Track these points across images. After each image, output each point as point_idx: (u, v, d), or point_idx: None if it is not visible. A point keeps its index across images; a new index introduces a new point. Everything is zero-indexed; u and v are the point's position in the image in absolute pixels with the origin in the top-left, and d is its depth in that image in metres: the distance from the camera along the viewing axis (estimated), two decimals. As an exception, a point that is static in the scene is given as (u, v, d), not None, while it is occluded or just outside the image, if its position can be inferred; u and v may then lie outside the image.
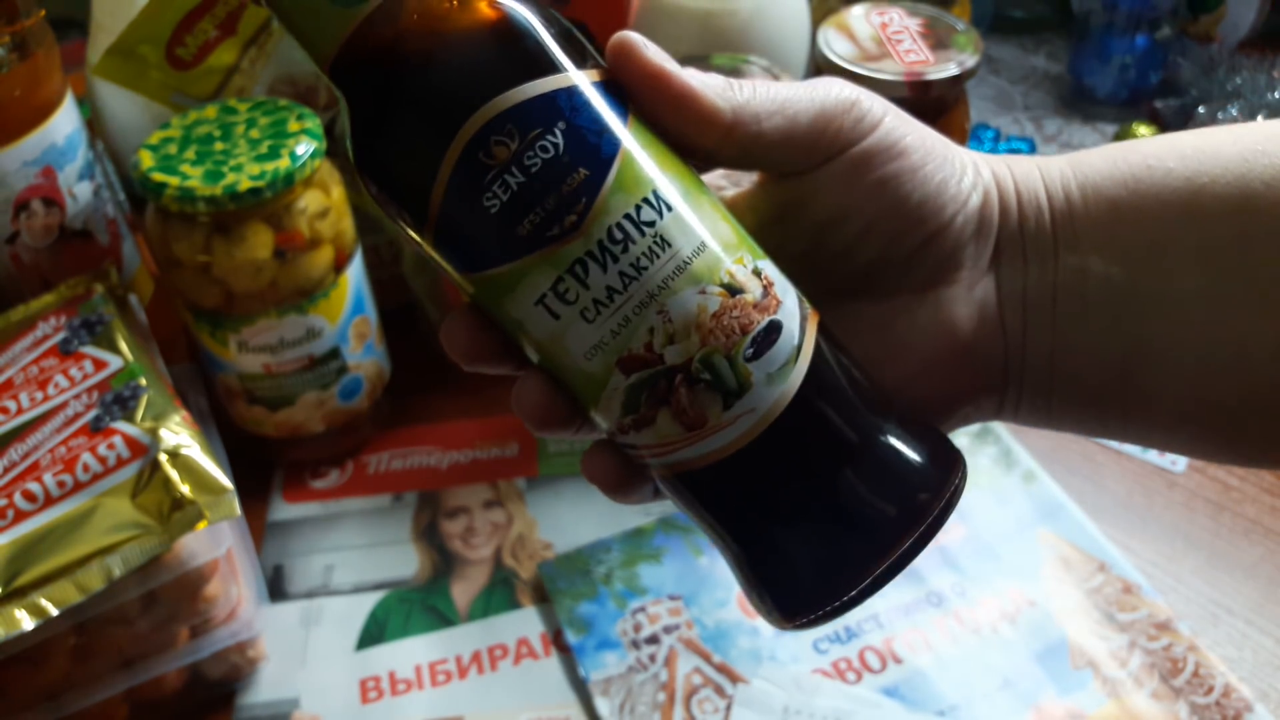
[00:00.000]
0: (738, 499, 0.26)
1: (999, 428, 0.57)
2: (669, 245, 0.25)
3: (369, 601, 0.51)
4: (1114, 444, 0.57)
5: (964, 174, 0.30)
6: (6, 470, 0.41)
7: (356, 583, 0.52)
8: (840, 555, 0.25)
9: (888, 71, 0.52)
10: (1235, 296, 0.28)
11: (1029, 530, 0.53)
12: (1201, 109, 0.72)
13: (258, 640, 0.47)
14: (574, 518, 0.54)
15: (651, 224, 0.25)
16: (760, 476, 0.26)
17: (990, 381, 0.30)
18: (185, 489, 0.40)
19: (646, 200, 0.25)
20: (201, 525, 0.39)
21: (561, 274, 0.25)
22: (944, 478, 0.26)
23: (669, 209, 0.25)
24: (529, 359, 0.27)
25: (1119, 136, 0.75)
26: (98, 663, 0.43)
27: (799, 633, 0.23)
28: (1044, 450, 0.57)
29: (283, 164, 0.48)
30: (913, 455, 0.26)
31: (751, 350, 0.25)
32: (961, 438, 0.57)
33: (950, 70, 0.52)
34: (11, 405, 0.44)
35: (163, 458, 0.41)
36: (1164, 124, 0.76)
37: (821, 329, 0.27)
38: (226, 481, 0.41)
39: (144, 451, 0.41)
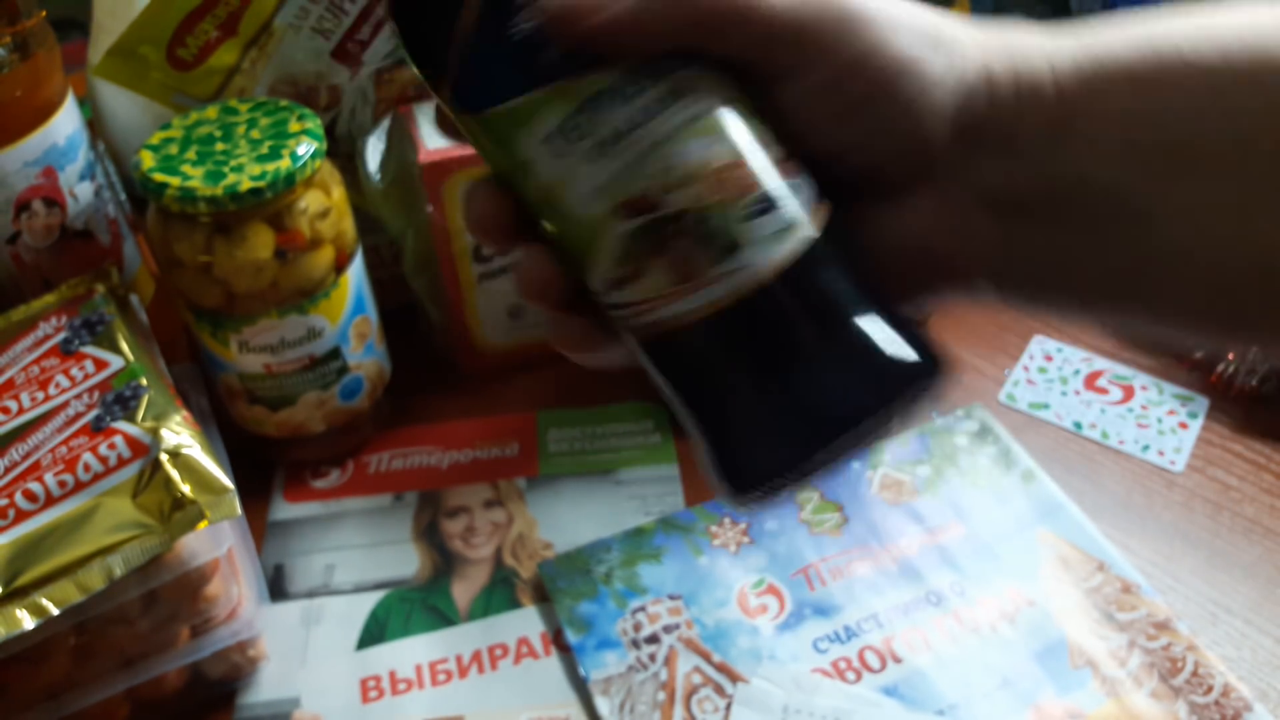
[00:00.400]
0: (713, 363, 0.26)
1: (998, 428, 0.58)
2: (686, 95, 0.25)
3: (370, 601, 0.51)
4: (1113, 444, 0.57)
5: (949, 55, 0.27)
6: (7, 470, 0.41)
7: (357, 582, 0.52)
8: (799, 424, 0.26)
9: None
10: (1267, 205, 0.25)
11: (1028, 530, 0.53)
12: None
13: (258, 639, 0.48)
14: (574, 517, 0.54)
15: (673, 71, 0.25)
16: (738, 340, 0.26)
17: (967, 285, 0.29)
18: (186, 489, 0.40)
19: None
20: (202, 525, 0.39)
21: (577, 107, 0.25)
22: (918, 370, 0.26)
23: (692, 62, 0.26)
24: (536, 233, 0.27)
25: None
26: (98, 662, 0.43)
27: (750, 504, 0.23)
28: (1043, 450, 0.57)
29: (284, 164, 0.48)
30: (893, 343, 0.26)
31: (750, 211, 0.25)
32: (961, 437, 0.57)
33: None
34: (12, 405, 0.44)
35: (163, 457, 0.41)
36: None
37: (830, 217, 0.27)
38: (227, 481, 0.41)
39: (145, 451, 0.41)
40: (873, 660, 0.48)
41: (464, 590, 0.52)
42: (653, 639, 0.49)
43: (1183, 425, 0.58)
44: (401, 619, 0.50)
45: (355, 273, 0.53)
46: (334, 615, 0.51)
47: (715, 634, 0.49)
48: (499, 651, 0.49)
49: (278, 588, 0.52)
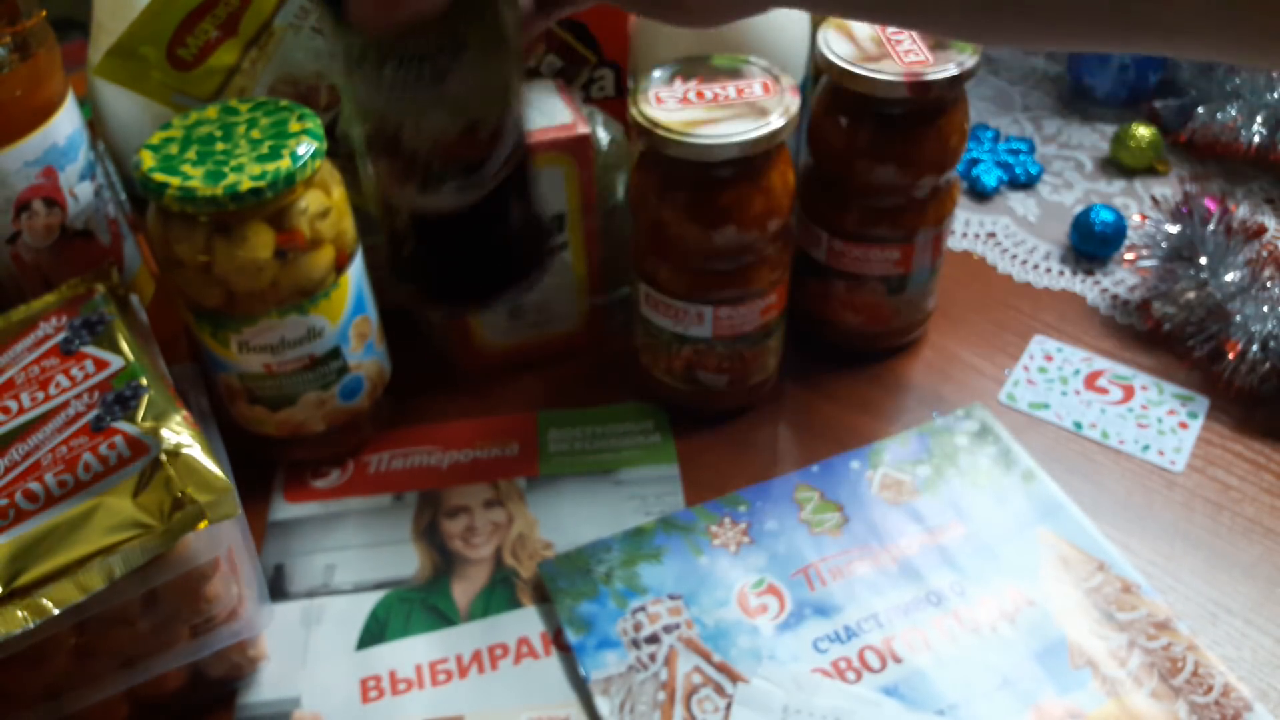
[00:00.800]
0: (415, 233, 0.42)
1: (998, 428, 0.57)
2: (442, 74, 0.35)
3: (370, 601, 0.51)
4: (1113, 444, 0.57)
5: None
6: (8, 470, 0.41)
7: (357, 582, 0.52)
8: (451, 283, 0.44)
9: (887, 72, 0.52)
10: None
11: (1028, 530, 0.53)
12: (1200, 109, 0.72)
13: (259, 639, 0.48)
14: (574, 517, 0.54)
15: (437, 52, 0.34)
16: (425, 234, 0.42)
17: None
18: (186, 488, 0.40)
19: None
20: (203, 525, 0.39)
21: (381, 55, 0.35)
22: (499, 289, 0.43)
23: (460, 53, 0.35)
24: None
25: (1118, 137, 0.75)
26: (98, 662, 0.43)
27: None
28: (1043, 450, 0.57)
29: (284, 164, 0.48)
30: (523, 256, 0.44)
31: (449, 171, 0.38)
32: (961, 437, 0.57)
33: (949, 70, 0.52)
34: (13, 405, 0.44)
35: (163, 457, 0.41)
36: (1163, 125, 0.76)
37: (524, 160, 0.41)
38: (227, 480, 0.41)
39: (145, 451, 0.41)
40: (873, 660, 0.48)
41: (464, 590, 0.52)
42: (653, 639, 0.49)
43: (1183, 425, 0.58)
44: (402, 619, 0.50)
45: (355, 273, 0.53)
46: (334, 615, 0.51)
47: (715, 634, 0.49)
48: (499, 651, 0.49)
49: (278, 587, 0.52)
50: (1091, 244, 0.68)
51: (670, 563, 0.52)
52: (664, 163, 0.51)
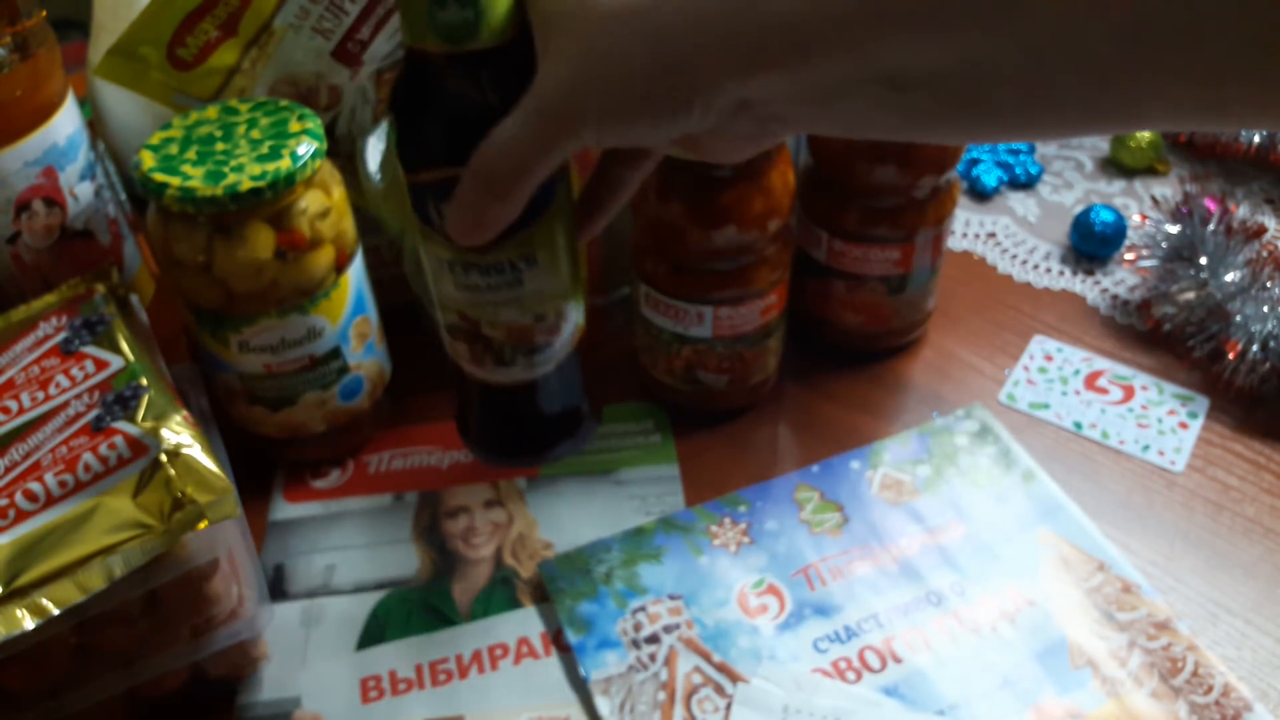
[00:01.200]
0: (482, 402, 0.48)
1: (998, 427, 0.57)
2: (513, 279, 0.41)
3: (370, 601, 0.51)
4: (1113, 444, 0.57)
5: None
6: (8, 470, 0.41)
7: (357, 582, 0.52)
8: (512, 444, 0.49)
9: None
10: None
11: (1028, 530, 0.53)
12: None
13: (259, 639, 0.48)
14: (574, 517, 0.54)
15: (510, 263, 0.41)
16: (493, 401, 0.48)
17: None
18: (186, 488, 0.40)
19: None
20: (203, 525, 0.39)
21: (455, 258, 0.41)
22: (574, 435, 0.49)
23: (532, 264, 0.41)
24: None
25: (1118, 137, 0.75)
26: (99, 662, 0.43)
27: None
28: (1043, 449, 0.57)
29: (284, 164, 0.48)
30: (570, 424, 0.49)
31: (522, 351, 0.44)
32: (961, 437, 0.57)
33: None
34: (13, 405, 0.44)
35: (163, 457, 0.41)
36: (1168, 133, 0.76)
37: (579, 346, 0.46)
38: (227, 481, 0.41)
39: (145, 451, 0.41)
40: (873, 660, 0.48)
41: (464, 590, 0.52)
42: (653, 639, 0.49)
43: (1183, 425, 0.58)
44: (402, 619, 0.50)
45: (355, 273, 0.53)
46: (334, 615, 0.51)
47: (715, 634, 0.49)
48: (499, 651, 0.49)
49: (278, 588, 0.52)
50: (1091, 244, 0.68)
51: (670, 563, 0.52)
52: (664, 162, 0.51)
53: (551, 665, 0.49)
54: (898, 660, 0.48)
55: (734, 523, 0.53)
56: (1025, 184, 0.75)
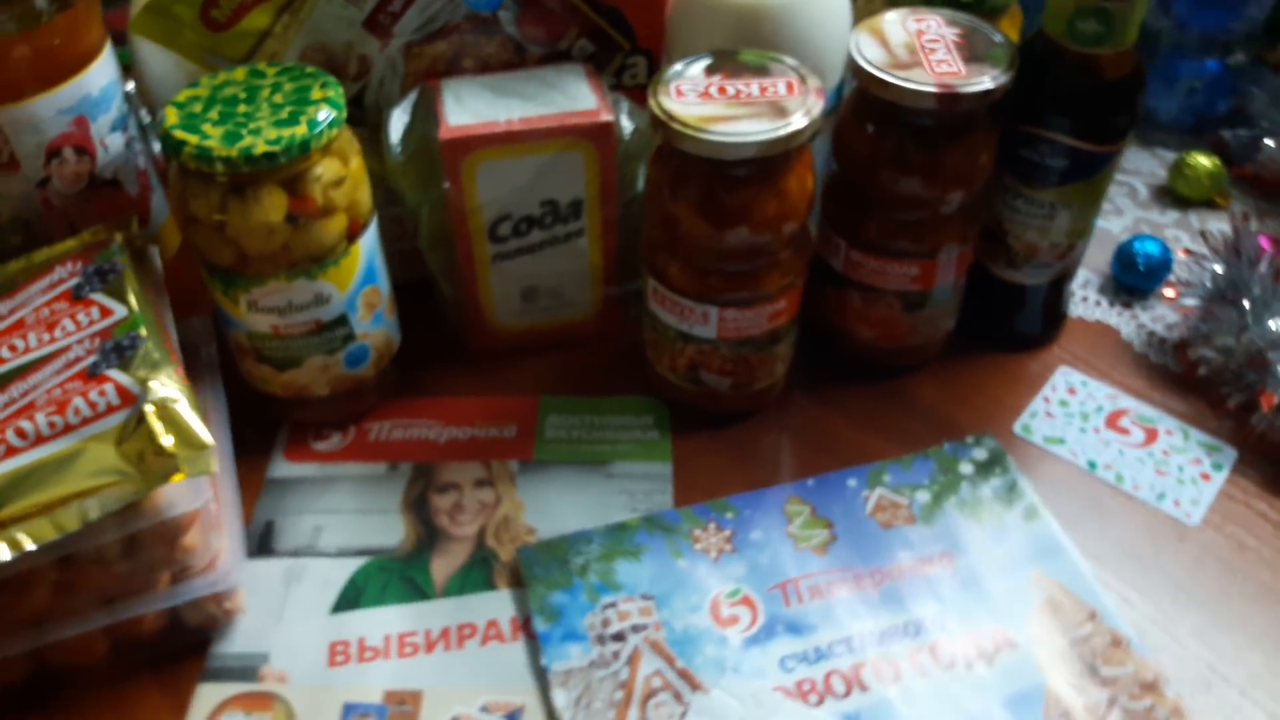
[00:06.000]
0: None
1: (1008, 459, 0.56)
2: None
3: (351, 566, 0.52)
4: (1127, 488, 0.55)
5: None
6: (6, 405, 0.43)
7: (342, 546, 0.53)
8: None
9: (916, 81, 0.50)
10: None
11: (1022, 569, 0.51)
12: (1270, 142, 0.68)
13: (235, 593, 0.49)
14: (562, 505, 0.54)
15: None
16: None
17: None
18: (167, 441, 0.41)
19: None
20: (177, 478, 0.40)
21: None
22: None
23: None
24: None
25: (1176, 165, 0.72)
26: (78, 598, 0.44)
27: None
28: (1051, 487, 0.55)
29: (300, 130, 0.48)
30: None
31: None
32: (967, 464, 0.56)
33: (982, 84, 0.50)
34: (20, 344, 0.45)
35: (149, 409, 0.42)
36: (1230, 155, 0.72)
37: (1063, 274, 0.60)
38: (208, 438, 0.42)
39: (133, 401, 0.42)
40: (838, 685, 0.47)
41: (443, 566, 0.52)
42: (619, 636, 0.48)
43: (1205, 476, 0.56)
44: (378, 588, 0.51)
45: (367, 243, 0.53)
46: (315, 577, 0.52)
47: (682, 639, 0.48)
48: (467, 631, 0.49)
49: (266, 544, 0.53)
50: (1132, 276, 0.65)
51: (648, 562, 0.51)
52: (678, 157, 0.50)
53: (516, 651, 0.49)
54: (864, 688, 0.47)
55: (719, 529, 0.53)
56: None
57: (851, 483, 0.55)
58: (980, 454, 0.56)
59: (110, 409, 0.42)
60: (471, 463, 0.56)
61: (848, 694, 0.47)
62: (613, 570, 0.51)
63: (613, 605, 0.50)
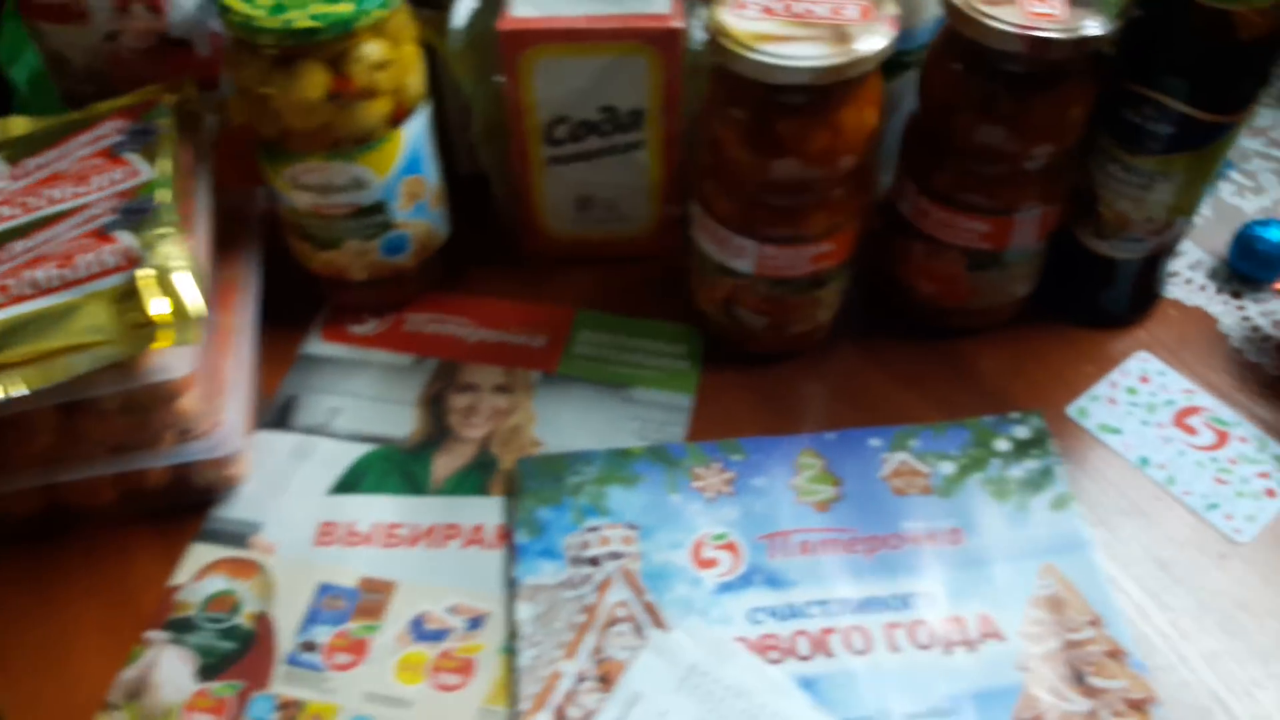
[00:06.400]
0: None
1: (1051, 442, 0.52)
2: None
3: (357, 451, 0.53)
4: (1176, 492, 0.50)
5: None
6: (27, 251, 0.45)
7: (353, 431, 0.54)
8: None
9: (1004, 20, 0.45)
10: None
11: (1034, 558, 0.48)
12: None
13: (237, 460, 0.50)
14: (573, 423, 0.54)
15: None
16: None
17: None
18: (158, 308, 0.42)
19: None
20: (161, 345, 0.41)
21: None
22: None
23: None
24: None
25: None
26: (82, 445, 0.46)
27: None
28: (1090, 478, 0.51)
29: (344, 9, 0.47)
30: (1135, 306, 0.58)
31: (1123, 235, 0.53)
32: (1004, 441, 0.52)
33: (1079, 31, 0.45)
34: (54, 194, 0.47)
35: (148, 274, 0.43)
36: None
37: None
38: (198, 309, 0.43)
39: (135, 264, 0.43)
40: (803, 646, 0.45)
41: (444, 464, 0.52)
42: (594, 561, 0.48)
43: (1270, 493, 0.50)
44: (378, 475, 0.52)
45: (413, 130, 0.53)
46: (322, 456, 0.53)
47: (657, 574, 0.48)
48: (452, 532, 0.50)
49: (284, 417, 0.54)
50: (1250, 263, 0.58)
51: (642, 492, 0.50)
52: (729, 76, 0.47)
53: (493, 559, 0.49)
54: (829, 654, 0.45)
55: (723, 469, 0.51)
56: (1205, 178, 0.65)
57: (874, 442, 0.52)
58: (1022, 432, 0.52)
59: (111, 269, 0.43)
60: (494, 367, 0.56)
61: (810, 657, 0.45)
62: (605, 495, 0.50)
63: (596, 529, 0.49)
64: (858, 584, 0.47)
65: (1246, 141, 0.67)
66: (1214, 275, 0.60)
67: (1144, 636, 0.46)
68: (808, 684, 0.44)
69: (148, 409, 0.45)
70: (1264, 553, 0.49)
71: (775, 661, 0.45)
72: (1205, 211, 0.63)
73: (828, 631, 0.46)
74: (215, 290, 0.52)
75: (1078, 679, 0.44)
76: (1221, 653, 0.46)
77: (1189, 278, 0.60)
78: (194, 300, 0.43)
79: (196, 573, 0.49)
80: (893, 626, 0.46)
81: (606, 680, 0.45)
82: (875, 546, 0.48)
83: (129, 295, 0.42)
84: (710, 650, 0.45)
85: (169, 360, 0.44)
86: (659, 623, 0.46)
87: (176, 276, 0.43)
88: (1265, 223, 0.58)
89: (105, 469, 0.47)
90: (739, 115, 0.48)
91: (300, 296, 0.59)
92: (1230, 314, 0.58)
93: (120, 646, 0.47)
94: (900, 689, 0.44)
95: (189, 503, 0.51)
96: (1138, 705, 0.43)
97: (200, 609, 0.48)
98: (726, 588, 0.47)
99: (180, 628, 0.47)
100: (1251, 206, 0.63)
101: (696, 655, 0.45)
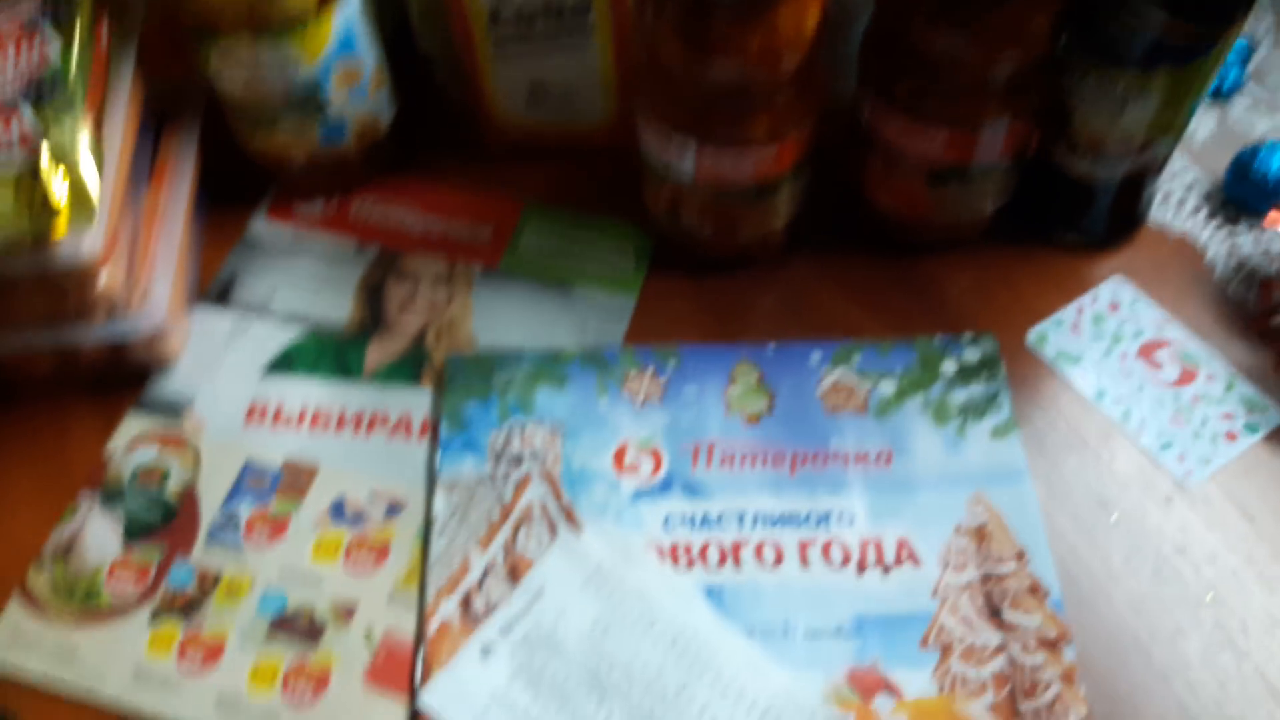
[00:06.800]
0: None
1: (1000, 367, 0.49)
2: None
3: (292, 332, 0.52)
4: (1129, 428, 0.48)
5: None
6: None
7: (290, 312, 0.53)
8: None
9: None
10: None
11: (964, 487, 0.46)
12: None
13: (169, 336, 0.50)
14: (510, 320, 0.53)
15: None
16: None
17: None
18: (56, 191, 0.41)
19: None
20: (59, 228, 0.41)
21: None
22: None
23: None
24: None
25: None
26: (6, 319, 0.46)
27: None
28: (1038, 408, 0.49)
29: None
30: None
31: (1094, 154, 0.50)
32: (950, 363, 0.50)
33: (1045, -74, 0.41)
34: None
35: (47, 156, 0.42)
36: None
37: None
38: (94, 193, 0.42)
39: (33, 145, 0.42)
40: (713, 556, 0.44)
41: (377, 353, 0.52)
42: (516, 459, 0.47)
43: (1230, 436, 0.48)
44: (311, 359, 0.52)
45: (345, 11, 0.50)
46: (257, 335, 0.52)
47: (577, 477, 0.47)
48: (380, 420, 0.49)
49: (224, 295, 0.54)
50: (1246, 189, 0.55)
51: (570, 393, 0.49)
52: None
53: (416, 450, 0.49)
54: (738, 565, 0.44)
55: (655, 375, 0.50)
56: (1213, 93, 0.60)
57: (815, 356, 0.50)
58: (972, 355, 0.50)
59: (11, 148, 0.42)
60: (436, 258, 0.55)
61: (720, 567, 0.44)
62: (532, 394, 0.49)
63: (520, 427, 0.48)
64: (777, 499, 0.46)
65: (1272, 56, 0.62)
66: (1207, 200, 0.56)
67: (1070, 575, 0.44)
68: (713, 593, 0.44)
69: (63, 288, 0.45)
70: (1212, 498, 0.46)
71: (683, 569, 0.44)
72: (1208, 128, 0.59)
73: (740, 544, 0.45)
74: (146, 170, 0.51)
75: (993, 612, 0.43)
76: (1148, 596, 0.44)
77: (1182, 199, 0.56)
78: (92, 185, 0.42)
79: (129, 443, 0.49)
80: (807, 544, 0.45)
81: (515, 574, 0.44)
82: (801, 462, 0.47)
83: (28, 175, 0.41)
84: (620, 553, 0.44)
85: (79, 240, 0.43)
86: (573, 524, 0.45)
87: (77, 160, 0.42)
88: (1265, 146, 0.54)
89: (37, 342, 0.47)
90: (674, 12, 0.45)
91: (247, 177, 0.58)
92: (1219, 243, 0.54)
93: (53, 509, 0.47)
94: (806, 605, 0.43)
95: (125, 376, 0.51)
96: (1050, 644, 0.42)
97: (130, 479, 0.48)
98: (644, 494, 0.46)
99: (110, 495, 0.48)
100: (1264, 125, 0.59)
101: (604, 557, 0.44)
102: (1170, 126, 0.49)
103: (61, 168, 0.42)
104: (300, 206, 0.57)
